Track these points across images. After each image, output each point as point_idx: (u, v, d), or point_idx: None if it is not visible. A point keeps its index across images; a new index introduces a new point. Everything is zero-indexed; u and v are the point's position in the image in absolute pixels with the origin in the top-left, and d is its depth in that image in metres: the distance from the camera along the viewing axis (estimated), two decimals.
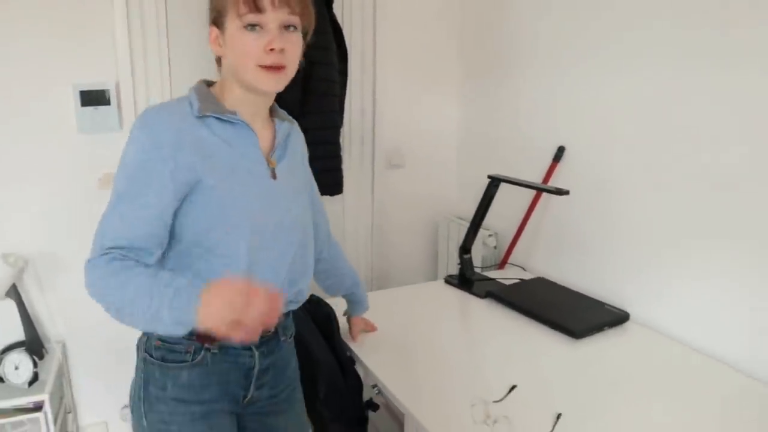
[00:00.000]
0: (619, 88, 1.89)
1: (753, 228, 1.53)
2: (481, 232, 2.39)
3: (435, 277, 2.88)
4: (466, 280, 2.17)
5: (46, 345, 2.17)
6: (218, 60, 1.23)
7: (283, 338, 1.32)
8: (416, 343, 1.69)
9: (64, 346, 2.23)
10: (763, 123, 1.49)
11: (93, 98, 2.07)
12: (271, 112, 1.28)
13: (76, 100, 2.05)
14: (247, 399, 1.27)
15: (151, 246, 1.09)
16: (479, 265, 2.44)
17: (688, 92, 1.67)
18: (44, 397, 1.93)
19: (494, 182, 2.09)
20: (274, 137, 1.26)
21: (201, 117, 1.12)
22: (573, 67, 2.08)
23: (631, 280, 1.90)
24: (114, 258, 1.07)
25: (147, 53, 2.14)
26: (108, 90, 2.09)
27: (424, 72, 2.69)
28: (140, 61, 2.13)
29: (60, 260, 2.18)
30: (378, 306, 1.77)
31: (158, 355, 1.20)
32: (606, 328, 1.79)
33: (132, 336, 2.34)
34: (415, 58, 2.66)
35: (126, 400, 2.39)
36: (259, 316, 0.96)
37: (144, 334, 1.26)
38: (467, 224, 2.20)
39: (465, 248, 2.20)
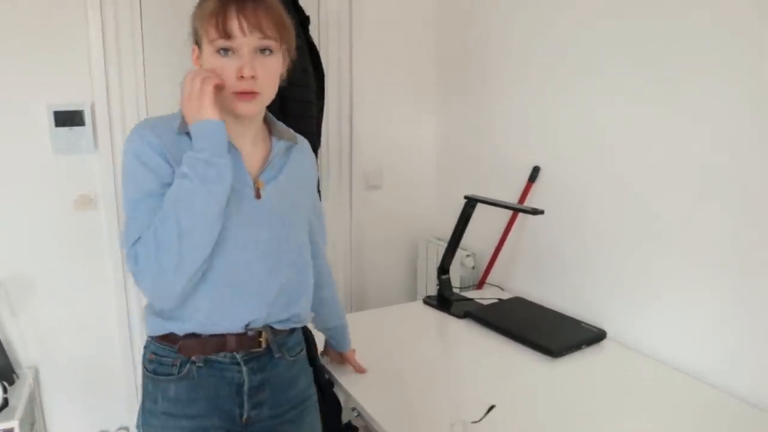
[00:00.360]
0: (592, 108, 1.92)
1: (726, 246, 1.55)
2: (459, 252, 2.40)
3: (414, 298, 2.87)
4: (444, 300, 2.17)
5: (18, 370, 2.12)
6: None
7: (278, 355, 1.25)
8: (395, 364, 1.68)
9: (36, 371, 2.19)
10: (735, 140, 1.52)
11: (68, 119, 2.05)
12: (271, 130, 1.26)
13: (51, 120, 2.03)
14: (244, 418, 1.24)
15: None
16: (458, 286, 2.45)
17: (661, 111, 1.70)
18: (14, 423, 1.87)
19: (471, 203, 2.11)
20: (269, 155, 1.23)
21: (184, 134, 1.12)
22: (546, 88, 2.11)
23: (608, 299, 1.91)
24: (146, 232, 1.07)
25: (122, 73, 2.13)
26: (83, 110, 2.07)
27: (401, 93, 2.71)
28: (115, 82, 2.12)
29: (33, 283, 2.14)
30: (357, 327, 1.76)
31: (151, 368, 1.20)
32: (583, 346, 1.80)
33: (107, 361, 2.31)
34: (392, 79, 2.68)
35: (100, 425, 2.35)
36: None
37: (144, 347, 1.24)
38: (446, 244, 2.21)
39: (443, 269, 2.20)
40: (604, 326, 1.90)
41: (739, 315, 1.54)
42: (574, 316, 1.98)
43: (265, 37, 1.09)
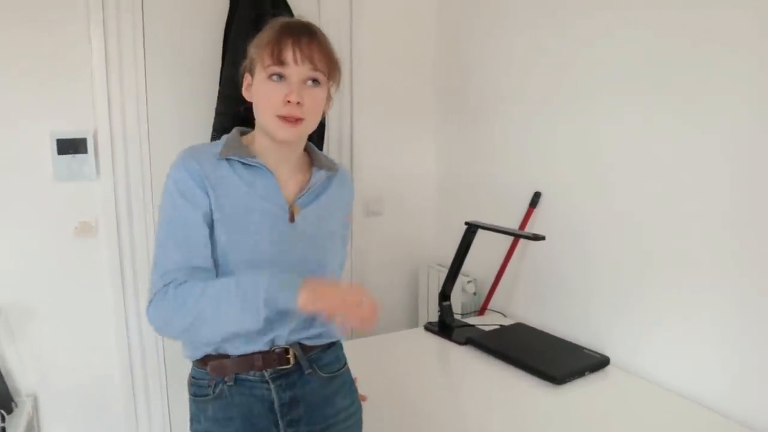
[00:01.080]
0: (592, 133, 1.93)
1: (728, 271, 1.55)
2: (461, 279, 2.39)
3: (416, 324, 2.85)
4: (446, 327, 2.16)
5: (16, 398, 2.10)
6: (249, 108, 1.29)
7: (308, 371, 1.25)
8: (396, 391, 1.67)
9: (35, 398, 2.16)
10: (736, 164, 1.52)
11: (70, 146, 2.06)
12: (313, 159, 1.32)
13: (53, 148, 2.05)
14: None
15: (208, 264, 1.16)
16: (459, 312, 2.43)
17: (663, 137, 1.71)
18: None
19: (471, 229, 2.10)
20: (308, 183, 1.28)
21: (225, 159, 1.19)
22: (545, 113, 2.12)
23: (611, 324, 1.90)
24: (172, 287, 1.13)
25: (125, 102, 2.15)
26: (86, 138, 2.08)
27: (400, 120, 2.73)
28: (118, 110, 2.13)
29: (32, 309, 2.13)
30: (358, 354, 1.75)
31: (192, 390, 1.26)
32: (587, 372, 1.78)
33: (107, 390, 2.29)
34: (392, 106, 2.70)
35: None
36: (359, 317, 1.10)
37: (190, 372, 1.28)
38: (447, 270, 2.20)
39: (444, 295, 2.19)
40: (607, 352, 1.88)
41: (743, 341, 1.52)
42: (576, 342, 1.97)
43: (315, 69, 1.17)
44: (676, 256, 1.68)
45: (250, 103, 1.24)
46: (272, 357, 1.22)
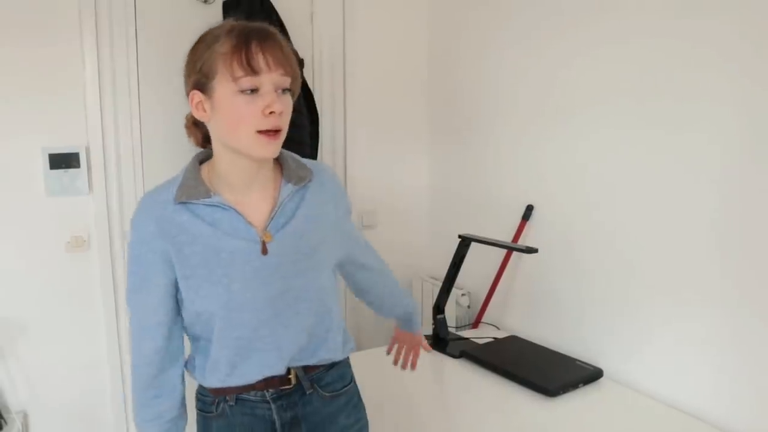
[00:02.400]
0: (584, 146, 1.95)
1: (719, 283, 1.56)
2: (455, 292, 2.39)
3: None
4: (440, 340, 2.15)
5: (6, 415, 2.08)
6: (192, 126, 1.21)
7: (309, 391, 1.23)
8: (390, 404, 1.66)
9: (25, 415, 2.14)
10: (726, 179, 1.53)
11: (63, 161, 2.06)
12: (283, 170, 1.19)
13: (45, 162, 2.04)
14: None
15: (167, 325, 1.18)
16: (453, 325, 2.43)
17: (652, 151, 1.72)
18: None
19: (465, 242, 2.11)
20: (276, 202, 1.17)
21: (179, 204, 1.10)
22: (538, 127, 2.14)
23: (604, 337, 1.90)
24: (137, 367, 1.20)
25: (118, 116, 2.15)
26: (78, 153, 2.08)
27: (394, 134, 2.74)
28: (111, 124, 2.13)
29: (23, 325, 2.11)
30: (353, 368, 1.74)
31: (198, 405, 1.25)
32: (580, 385, 1.78)
33: (98, 406, 2.27)
34: (386, 120, 2.71)
35: None
36: None
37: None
38: (441, 284, 2.20)
39: (438, 308, 2.19)
40: (601, 364, 1.88)
41: (735, 352, 1.53)
42: (570, 355, 1.97)
43: (286, 73, 1.06)
44: (668, 268, 1.69)
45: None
46: (273, 380, 1.19)
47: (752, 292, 1.48)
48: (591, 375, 1.82)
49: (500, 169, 2.35)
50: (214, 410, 1.21)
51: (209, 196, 1.11)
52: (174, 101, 2.26)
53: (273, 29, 1.09)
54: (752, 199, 1.47)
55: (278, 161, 1.20)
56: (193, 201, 1.10)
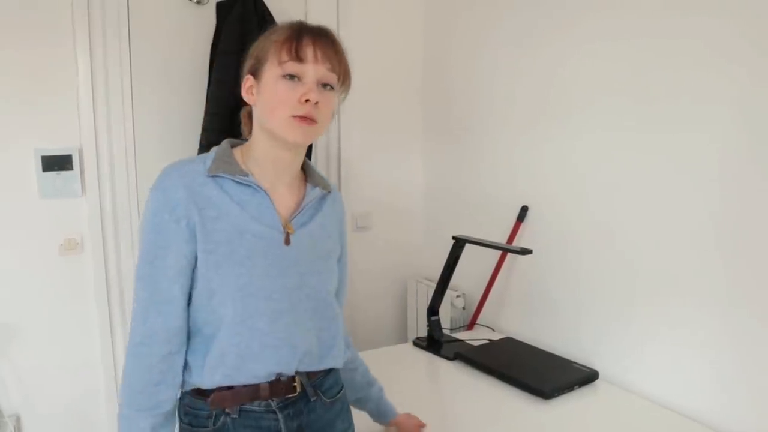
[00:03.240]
0: (579, 147, 1.95)
1: (719, 285, 1.56)
2: (449, 293, 2.39)
3: (405, 339, 2.84)
4: (434, 342, 2.15)
5: None
6: (247, 117, 1.23)
7: (314, 398, 1.22)
8: None
9: (18, 419, 2.13)
10: (719, 180, 1.53)
11: (55, 163, 2.05)
12: (308, 176, 1.25)
13: (38, 165, 2.03)
14: None
15: (180, 320, 1.13)
16: (448, 327, 2.43)
17: (649, 151, 1.72)
18: None
19: (459, 243, 2.11)
20: (302, 201, 1.21)
21: (213, 176, 1.12)
22: (533, 128, 2.14)
23: (599, 338, 1.90)
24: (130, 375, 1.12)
25: (111, 118, 2.14)
26: (71, 155, 2.07)
27: (388, 135, 2.73)
28: (104, 126, 2.12)
29: (16, 328, 2.09)
30: None
31: (186, 420, 1.18)
32: (576, 387, 1.78)
33: (91, 410, 2.26)
34: (380, 122, 2.71)
35: None
36: None
37: (179, 398, 1.20)
38: (435, 285, 2.20)
39: (432, 310, 2.19)
40: (596, 366, 1.88)
41: (730, 354, 1.53)
42: (565, 356, 1.97)
43: (332, 69, 1.13)
44: (664, 270, 1.69)
45: (241, 107, 1.20)
46: (279, 386, 1.17)
47: (749, 294, 1.48)
48: (586, 377, 1.82)
49: (495, 170, 2.35)
50: (211, 425, 1.15)
51: (245, 175, 1.14)
52: (168, 102, 2.27)
53: (332, 32, 1.17)
54: (750, 199, 1.47)
55: (303, 169, 1.25)
56: (226, 175, 1.12)
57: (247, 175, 1.14)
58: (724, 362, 1.55)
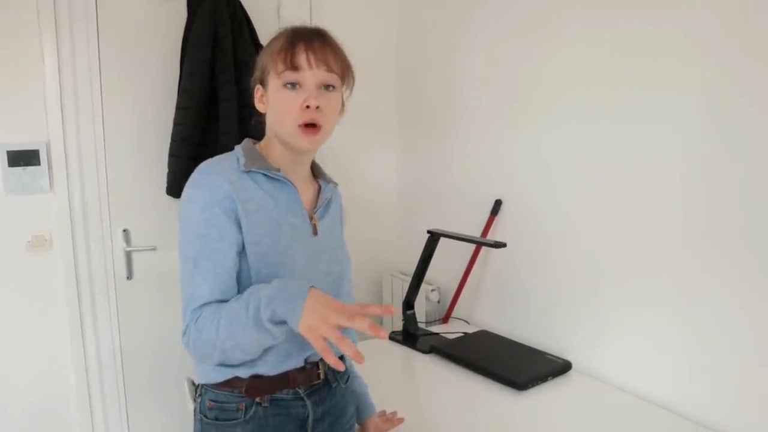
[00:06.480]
0: (551, 140, 1.96)
1: (687, 275, 1.58)
2: (424, 287, 2.39)
3: None
4: (410, 335, 2.15)
5: None
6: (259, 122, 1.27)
7: (334, 384, 1.28)
8: None
9: None
10: (690, 172, 1.56)
11: (22, 158, 2.01)
12: (316, 174, 1.33)
13: (3, 160, 1.99)
14: None
15: (235, 292, 1.13)
16: (423, 320, 2.43)
17: (618, 145, 1.74)
18: None
19: (433, 237, 2.11)
20: (317, 196, 1.30)
21: (247, 172, 1.16)
22: (503, 121, 2.15)
23: (572, 329, 1.92)
24: (200, 321, 1.09)
25: (80, 113, 2.10)
26: (38, 150, 2.03)
27: (363, 130, 2.73)
28: (72, 121, 2.09)
29: None
30: None
31: (212, 415, 1.19)
32: (549, 377, 1.79)
33: (62, 411, 2.22)
34: (354, 116, 2.66)
35: None
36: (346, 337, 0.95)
37: (196, 398, 1.24)
38: (410, 279, 2.20)
39: (408, 304, 2.19)
40: (569, 357, 1.90)
41: (699, 342, 1.56)
42: (539, 348, 1.99)
43: (330, 70, 1.16)
44: (633, 261, 1.71)
45: (259, 114, 1.24)
46: (306, 373, 1.22)
47: (717, 282, 1.51)
48: (560, 368, 1.84)
49: (469, 164, 2.36)
50: (242, 416, 1.17)
51: (277, 170, 1.19)
52: (137, 97, 2.23)
53: (325, 32, 1.20)
54: (718, 189, 1.49)
55: (311, 169, 1.32)
56: (261, 170, 1.17)
57: (278, 170, 1.19)
58: (692, 350, 1.57)
